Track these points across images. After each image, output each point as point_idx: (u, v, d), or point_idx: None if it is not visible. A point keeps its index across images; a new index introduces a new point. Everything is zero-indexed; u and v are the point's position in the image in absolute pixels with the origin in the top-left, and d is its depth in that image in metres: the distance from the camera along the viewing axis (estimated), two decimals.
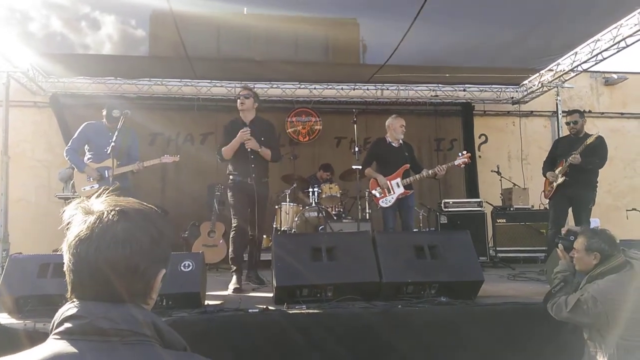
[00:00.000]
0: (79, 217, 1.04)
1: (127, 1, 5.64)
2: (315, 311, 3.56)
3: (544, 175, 6.11)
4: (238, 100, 5.06)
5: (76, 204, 1.07)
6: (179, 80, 8.50)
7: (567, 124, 6.09)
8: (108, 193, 1.11)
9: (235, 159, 5.03)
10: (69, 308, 1.01)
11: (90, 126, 5.37)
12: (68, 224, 1.05)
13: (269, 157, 5.05)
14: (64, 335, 0.98)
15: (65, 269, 1.04)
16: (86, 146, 5.35)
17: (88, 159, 5.29)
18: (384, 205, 5.82)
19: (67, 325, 0.99)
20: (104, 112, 5.31)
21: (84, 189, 5.17)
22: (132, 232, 1.03)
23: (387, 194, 5.79)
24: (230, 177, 5.10)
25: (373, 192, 5.90)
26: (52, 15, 6.11)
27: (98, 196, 1.09)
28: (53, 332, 1.00)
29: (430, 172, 5.87)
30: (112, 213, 1.03)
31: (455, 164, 5.95)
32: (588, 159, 5.63)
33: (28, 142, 8.59)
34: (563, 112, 7.89)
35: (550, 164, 6.12)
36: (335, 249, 4.05)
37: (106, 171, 5.15)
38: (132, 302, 1.03)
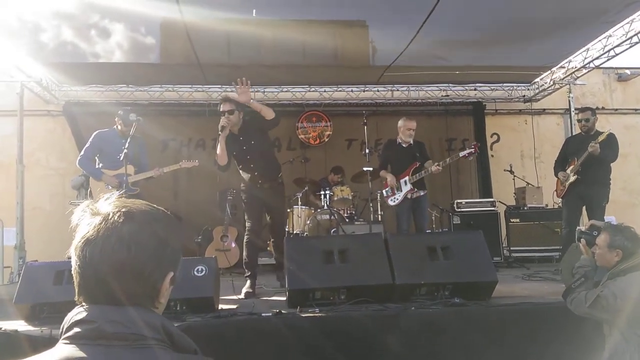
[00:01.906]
0: (86, 218, 1.04)
1: (137, 9, 5.64)
2: (328, 314, 3.56)
3: (556, 175, 6.06)
4: (222, 117, 4.75)
5: (85, 205, 1.07)
6: (190, 86, 8.56)
7: (579, 121, 6.04)
8: (120, 195, 1.11)
9: (240, 168, 5.04)
10: (78, 312, 1.01)
11: (100, 135, 5.41)
12: (76, 225, 1.05)
13: (270, 113, 4.74)
14: (73, 339, 0.98)
15: (72, 271, 1.04)
16: (97, 155, 5.39)
17: (101, 167, 5.33)
18: (391, 203, 5.96)
19: (76, 329, 0.99)
20: (120, 117, 5.34)
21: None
22: (137, 234, 1.02)
23: (395, 193, 5.86)
24: (242, 184, 5.12)
25: (382, 191, 5.97)
26: (63, 24, 6.18)
27: (107, 199, 1.09)
28: (62, 337, 1.00)
29: (432, 168, 5.80)
30: (118, 214, 1.03)
31: (461, 155, 5.92)
32: (604, 151, 5.57)
33: (42, 151, 8.71)
34: (576, 109, 7.80)
35: (561, 163, 6.07)
36: (347, 252, 4.04)
37: (124, 178, 5.19)
38: (140, 305, 1.02)
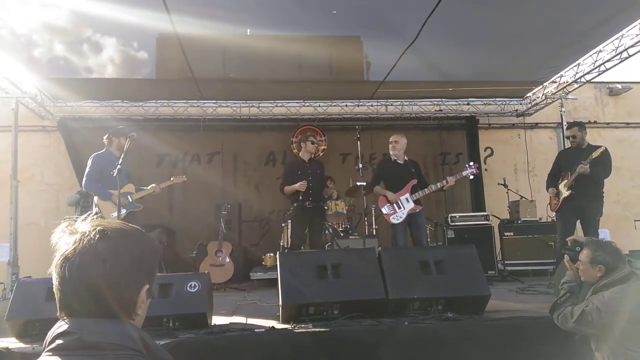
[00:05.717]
0: (65, 237, 1.10)
1: (131, 24, 5.63)
2: (322, 330, 3.54)
3: (547, 190, 6.04)
4: (312, 145, 6.15)
5: (64, 226, 1.12)
6: (185, 101, 8.60)
7: (567, 138, 6.05)
8: (93, 216, 1.18)
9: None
10: (60, 326, 1.05)
11: (99, 156, 5.49)
12: (55, 245, 1.11)
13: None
14: (56, 351, 1.02)
15: (54, 288, 1.09)
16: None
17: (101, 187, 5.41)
18: (394, 221, 5.74)
19: (59, 342, 1.03)
20: (118, 133, 5.48)
21: (113, 216, 5.23)
22: (111, 250, 1.08)
23: (397, 210, 5.75)
24: (294, 203, 5.94)
25: (382, 209, 5.85)
26: (55, 39, 6.20)
27: (84, 219, 1.15)
28: (45, 350, 1.04)
29: (438, 184, 5.83)
30: (93, 233, 1.08)
31: (463, 174, 5.93)
32: (596, 169, 5.59)
33: (37, 166, 8.70)
34: (567, 123, 7.87)
35: (554, 177, 6.05)
36: (340, 266, 4.04)
37: (128, 196, 5.44)
38: (118, 317, 1.07)
